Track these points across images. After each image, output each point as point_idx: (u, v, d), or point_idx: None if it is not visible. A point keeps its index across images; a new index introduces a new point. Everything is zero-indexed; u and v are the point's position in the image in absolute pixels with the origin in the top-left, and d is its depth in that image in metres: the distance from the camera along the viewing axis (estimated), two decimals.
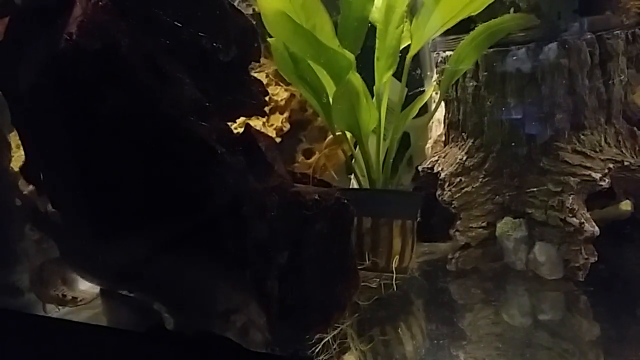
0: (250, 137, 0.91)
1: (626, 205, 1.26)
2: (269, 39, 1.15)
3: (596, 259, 1.04)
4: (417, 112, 1.27)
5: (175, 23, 0.76)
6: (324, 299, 0.89)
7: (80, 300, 1.10)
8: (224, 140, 0.80)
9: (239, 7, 1.44)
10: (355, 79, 1.08)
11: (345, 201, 0.87)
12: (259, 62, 0.96)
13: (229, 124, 0.92)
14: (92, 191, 0.84)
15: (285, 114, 1.52)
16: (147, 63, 0.76)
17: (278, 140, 1.47)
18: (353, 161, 1.24)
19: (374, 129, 1.18)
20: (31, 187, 1.10)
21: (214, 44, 0.77)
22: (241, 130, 0.92)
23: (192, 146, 0.75)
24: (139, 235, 0.81)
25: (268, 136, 0.97)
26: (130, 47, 0.76)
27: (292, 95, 1.51)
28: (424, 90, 1.33)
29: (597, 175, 1.03)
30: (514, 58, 1.11)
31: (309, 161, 1.54)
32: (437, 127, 1.41)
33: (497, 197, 1.18)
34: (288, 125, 1.50)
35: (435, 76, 1.32)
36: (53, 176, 0.92)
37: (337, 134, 1.22)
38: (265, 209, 0.82)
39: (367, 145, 1.17)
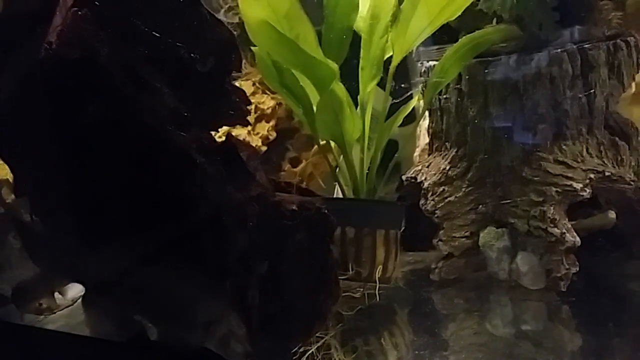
0: (231, 146, 0.90)
1: (611, 214, 1.27)
2: (252, 48, 1.15)
3: (577, 269, 1.05)
4: (401, 121, 1.27)
5: (154, 33, 0.76)
6: (305, 310, 0.89)
7: (56, 309, 1.10)
8: (204, 150, 0.80)
9: (225, 16, 1.44)
10: (339, 88, 1.09)
11: (326, 211, 0.87)
12: (239, 71, 0.96)
13: (212, 133, 0.92)
14: (70, 200, 0.84)
15: (272, 122, 1.52)
16: (125, 72, 0.76)
17: (264, 148, 1.47)
18: (337, 170, 1.24)
19: (358, 138, 1.18)
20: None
21: (192, 54, 0.77)
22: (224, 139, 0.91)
23: (170, 156, 0.75)
24: (118, 244, 0.81)
25: (250, 145, 0.97)
26: (109, 56, 0.76)
27: (279, 104, 1.52)
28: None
29: (579, 186, 1.04)
30: (496, 69, 1.12)
31: (296, 169, 1.55)
32: (424, 135, 1.41)
33: (480, 206, 1.18)
34: (274, 134, 1.50)
35: (420, 86, 1.33)
36: (33, 184, 0.92)
37: (322, 143, 1.22)
38: (246, 219, 0.82)
39: (351, 154, 1.17)
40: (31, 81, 0.80)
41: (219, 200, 0.78)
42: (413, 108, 1.32)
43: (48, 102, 0.80)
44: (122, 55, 0.76)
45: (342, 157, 1.21)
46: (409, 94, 1.37)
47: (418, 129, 1.40)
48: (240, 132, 1.42)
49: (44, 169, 0.84)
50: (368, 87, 1.16)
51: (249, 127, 1.48)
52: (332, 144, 1.20)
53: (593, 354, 0.91)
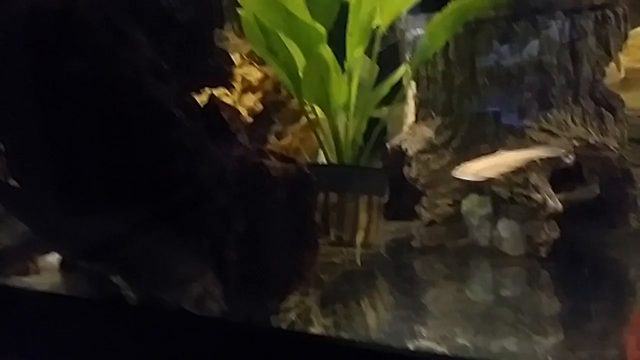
0: (213, 106, 0.90)
1: (594, 188, 1.27)
2: (239, 11, 1.14)
3: (558, 235, 1.05)
4: (388, 90, 1.27)
5: None
6: (283, 269, 0.89)
7: (38, 271, 1.10)
8: (184, 105, 0.79)
9: None
10: (326, 52, 1.08)
11: (307, 170, 0.86)
12: (221, 28, 0.95)
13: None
14: (48, 156, 0.83)
15: (258, 94, 1.51)
16: (104, 23, 0.75)
17: (250, 120, 1.46)
18: (322, 137, 1.23)
19: (344, 105, 1.18)
20: None
21: (171, 2, 0.76)
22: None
23: (148, 108, 0.74)
24: (94, 201, 0.80)
25: (233, 107, 0.96)
26: (88, 7, 0.75)
27: (266, 76, 1.51)
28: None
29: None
30: (484, 36, 1.11)
31: (282, 143, 1.54)
32: (412, 115, 1.40)
33: None
34: (261, 106, 1.49)
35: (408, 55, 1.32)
36: (10, 143, 0.91)
37: (307, 109, 1.21)
38: (225, 175, 0.82)
39: (336, 120, 1.16)
40: (10, 33, 0.79)
41: (198, 155, 0.78)
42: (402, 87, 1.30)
43: (27, 55, 0.79)
44: (101, 5, 0.75)
45: (327, 123, 1.21)
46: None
47: (405, 108, 1.39)
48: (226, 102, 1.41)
49: (21, 125, 0.83)
50: (355, 52, 1.15)
51: (235, 98, 1.48)
52: (318, 110, 1.19)
53: (569, 319, 0.91)
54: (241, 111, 1.44)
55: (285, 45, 1.11)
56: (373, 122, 1.24)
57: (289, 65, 1.12)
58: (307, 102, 1.20)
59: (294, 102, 1.48)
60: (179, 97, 0.80)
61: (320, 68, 1.07)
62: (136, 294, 0.92)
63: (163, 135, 0.75)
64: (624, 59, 2.04)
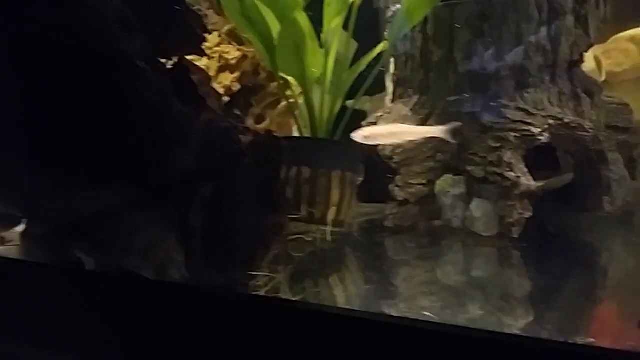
0: (182, 67, 0.87)
1: (569, 175, 1.26)
2: None
3: (531, 214, 1.04)
4: (365, 66, 1.24)
5: None
6: (249, 238, 0.86)
7: (10, 241, 1.06)
8: (150, 61, 0.76)
9: None
10: (302, 18, 1.05)
11: (276, 135, 0.84)
12: None
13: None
14: (8, 109, 0.79)
15: (236, 74, 1.48)
16: None
17: (227, 99, 1.43)
18: (297, 112, 1.20)
19: (320, 79, 1.15)
20: None
21: None
22: None
23: (112, 58, 0.71)
24: (47, 157, 0.76)
25: (203, 70, 0.93)
26: None
27: (245, 56, 1.48)
28: None
29: (537, 130, 1.03)
30: (463, 12, 1.10)
31: (260, 126, 1.51)
32: (389, 93, 1.39)
33: (439, 154, 1.16)
34: (238, 86, 1.46)
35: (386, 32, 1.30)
36: None
37: (282, 82, 1.18)
38: (190, 136, 0.78)
39: (311, 93, 1.14)
40: None
41: (163, 113, 0.74)
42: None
43: None
44: None
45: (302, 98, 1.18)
46: None
47: (386, 98, 1.38)
48: None
49: None
50: (332, 23, 1.12)
51: (212, 74, 1.45)
52: (293, 81, 1.16)
53: (540, 298, 0.90)
54: (218, 89, 1.41)
55: (261, 12, 1.08)
56: (350, 99, 1.21)
57: (264, 34, 1.09)
58: (283, 76, 1.17)
59: (274, 86, 1.45)
60: (146, 52, 0.77)
61: (296, 35, 1.04)
62: (95, 260, 0.88)
63: (125, 88, 0.71)
64: (605, 62, 2.06)
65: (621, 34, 2.11)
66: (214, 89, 0.93)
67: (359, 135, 1.02)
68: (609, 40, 2.09)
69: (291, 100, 1.19)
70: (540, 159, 1.15)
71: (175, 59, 1.00)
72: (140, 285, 0.83)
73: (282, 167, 0.87)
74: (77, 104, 0.74)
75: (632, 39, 2.13)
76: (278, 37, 1.05)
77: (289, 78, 1.17)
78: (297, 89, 1.18)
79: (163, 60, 0.86)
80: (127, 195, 0.80)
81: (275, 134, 0.84)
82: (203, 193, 0.82)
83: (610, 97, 1.32)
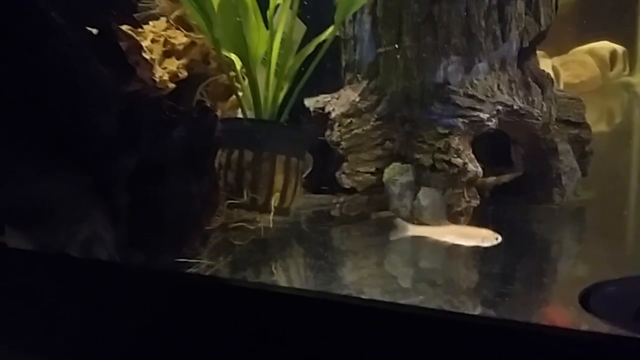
0: (109, 33, 0.81)
1: (520, 172, 1.24)
2: None
3: (478, 202, 1.01)
4: (312, 50, 1.20)
5: None
6: (180, 217, 0.80)
7: None
8: (70, 17, 0.70)
9: None
10: None
11: (209, 106, 0.78)
12: None
13: None
14: None
15: (183, 60, 1.41)
16: None
17: (172, 86, 1.37)
18: (240, 93, 1.15)
19: (265, 60, 1.10)
20: None
21: None
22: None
23: (24, 10, 0.65)
24: None
25: (134, 38, 0.87)
26: None
27: (193, 43, 1.42)
28: None
29: (485, 116, 1.00)
30: None
31: None
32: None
33: (387, 142, 1.12)
34: (185, 73, 1.40)
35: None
36: None
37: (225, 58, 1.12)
38: (111, 103, 0.73)
39: (255, 72, 1.08)
40: None
41: (78, 72, 0.68)
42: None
43: None
44: None
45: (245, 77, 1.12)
46: None
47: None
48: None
49: None
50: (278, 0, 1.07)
51: (156, 57, 1.39)
52: (236, 59, 1.11)
53: (485, 288, 0.87)
54: (163, 74, 1.35)
55: None
56: (296, 82, 1.16)
57: (203, 5, 1.03)
58: (226, 54, 1.11)
59: (224, 78, 1.39)
60: (67, 10, 0.71)
61: (237, 6, 0.99)
62: (19, 236, 0.81)
63: (35, 42, 0.65)
64: (563, 73, 2.08)
65: (580, 47, 2.14)
66: (145, 59, 0.87)
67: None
68: (569, 53, 2.12)
69: (232, 74, 1.13)
70: (491, 151, 1.13)
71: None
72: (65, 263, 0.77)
73: (215, 140, 0.81)
74: None
75: (590, 52, 2.16)
76: (218, 6, 0.99)
77: (233, 56, 1.11)
78: (242, 70, 1.12)
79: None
80: (47, 163, 0.73)
81: (207, 105, 0.79)
82: (126, 164, 0.76)
83: (562, 91, 1.31)
